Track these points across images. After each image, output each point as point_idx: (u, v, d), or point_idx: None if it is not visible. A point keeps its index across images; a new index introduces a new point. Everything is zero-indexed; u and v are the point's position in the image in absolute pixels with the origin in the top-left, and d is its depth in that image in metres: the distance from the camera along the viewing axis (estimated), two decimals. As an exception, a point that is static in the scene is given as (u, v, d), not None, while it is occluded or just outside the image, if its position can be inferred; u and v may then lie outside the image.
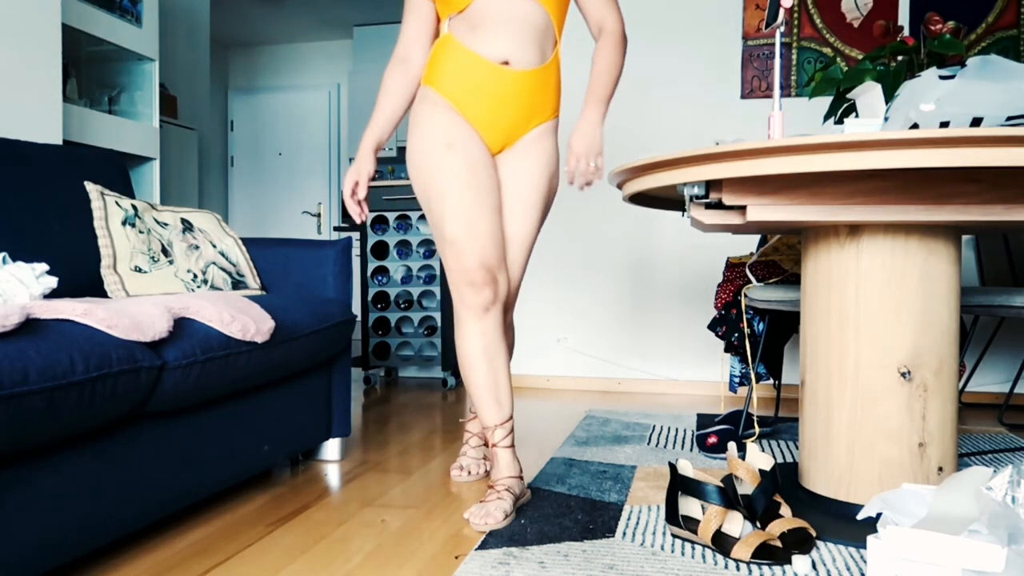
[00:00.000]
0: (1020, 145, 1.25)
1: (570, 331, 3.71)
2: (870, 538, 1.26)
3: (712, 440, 2.37)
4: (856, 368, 1.67)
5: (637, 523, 1.69)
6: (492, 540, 1.58)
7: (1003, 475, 1.24)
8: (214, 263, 2.06)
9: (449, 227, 1.76)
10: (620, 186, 1.84)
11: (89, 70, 3.30)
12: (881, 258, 1.64)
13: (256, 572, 1.45)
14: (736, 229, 1.87)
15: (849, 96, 1.81)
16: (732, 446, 1.65)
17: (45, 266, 1.51)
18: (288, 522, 1.73)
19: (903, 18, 3.33)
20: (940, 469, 1.65)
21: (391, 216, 3.85)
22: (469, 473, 2.09)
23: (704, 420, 2.80)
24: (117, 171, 2.25)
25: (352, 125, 6.13)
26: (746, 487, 1.60)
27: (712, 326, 2.57)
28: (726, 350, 2.59)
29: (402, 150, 6.15)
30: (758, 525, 1.55)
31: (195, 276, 1.99)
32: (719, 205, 1.59)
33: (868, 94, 1.70)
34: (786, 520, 1.52)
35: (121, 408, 1.34)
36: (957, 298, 1.68)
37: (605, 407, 3.16)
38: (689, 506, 1.62)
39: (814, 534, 1.53)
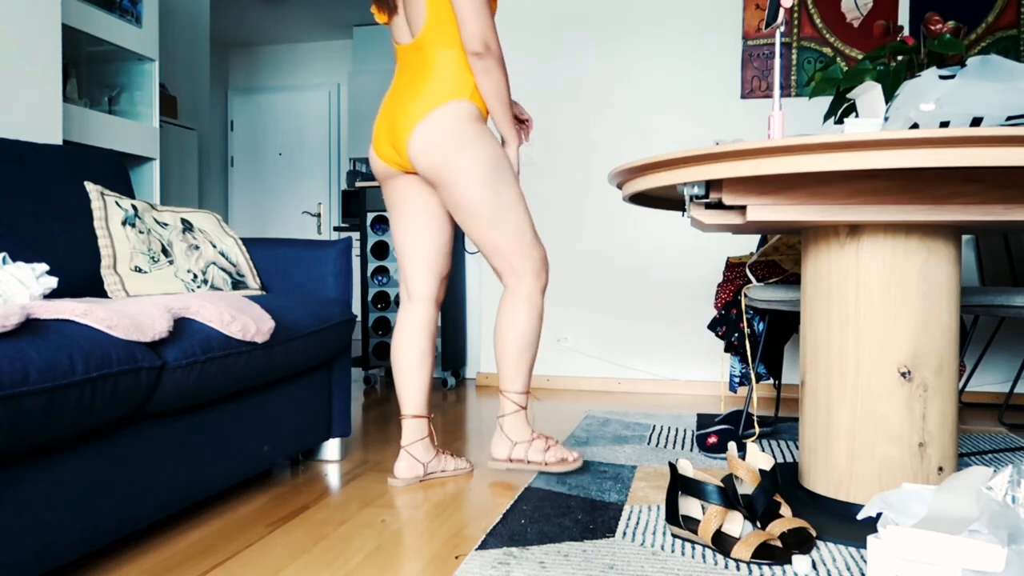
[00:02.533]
0: (1020, 145, 1.25)
1: (570, 331, 3.71)
2: (870, 538, 1.26)
3: (712, 440, 2.37)
4: (856, 368, 1.67)
5: (637, 523, 1.69)
6: (492, 540, 1.58)
7: (1003, 475, 1.24)
8: (214, 263, 2.06)
9: (531, 223, 2.05)
10: (620, 186, 1.84)
11: (89, 70, 3.30)
12: (881, 258, 1.64)
13: (256, 572, 1.45)
14: (736, 229, 1.87)
15: (849, 96, 1.81)
16: (732, 446, 1.65)
17: (45, 266, 1.51)
18: (288, 522, 1.73)
19: (903, 18, 3.33)
20: (940, 469, 1.65)
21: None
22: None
23: (704, 420, 2.80)
24: (117, 171, 2.25)
25: (352, 125, 6.13)
26: (746, 487, 1.60)
27: (712, 326, 2.57)
28: (726, 350, 2.59)
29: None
30: (758, 525, 1.55)
31: (195, 276, 1.99)
32: (719, 205, 1.59)
33: (868, 94, 1.70)
34: (786, 520, 1.52)
35: (121, 408, 1.34)
36: (957, 298, 1.68)
37: (605, 407, 3.16)
38: (689, 506, 1.62)
39: (814, 534, 1.53)
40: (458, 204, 1.96)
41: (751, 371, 2.45)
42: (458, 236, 3.87)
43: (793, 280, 2.38)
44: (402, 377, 2.07)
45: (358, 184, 3.91)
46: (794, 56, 3.43)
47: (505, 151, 2.03)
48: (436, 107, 1.90)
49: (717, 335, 2.56)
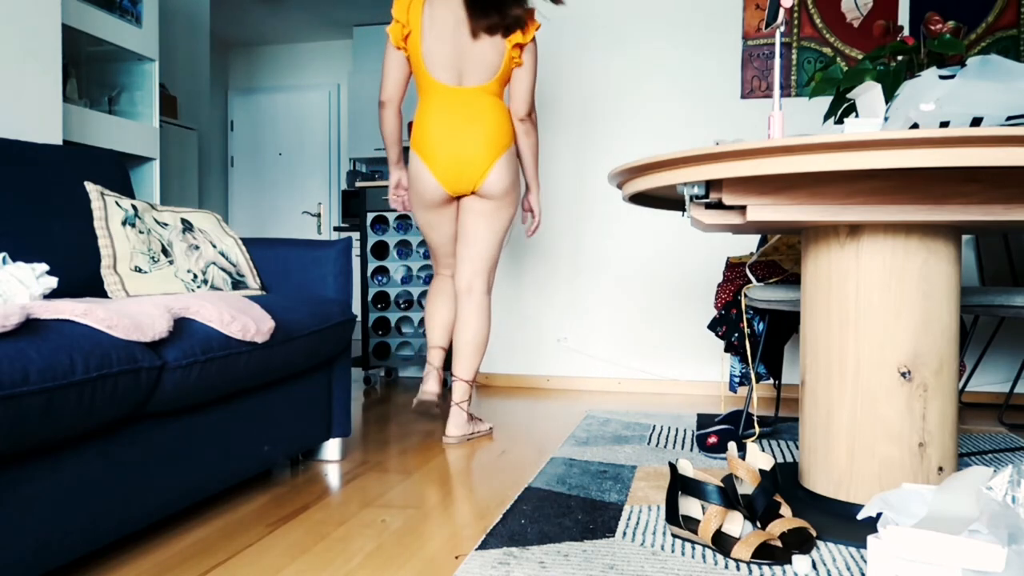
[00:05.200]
0: (1020, 145, 1.25)
1: (570, 331, 3.71)
2: (870, 538, 1.26)
3: (712, 440, 2.37)
4: (856, 368, 1.67)
5: (637, 523, 1.69)
6: (492, 540, 1.58)
7: (1003, 475, 1.24)
8: (214, 263, 2.06)
9: None
10: (620, 186, 1.84)
11: (89, 70, 3.30)
12: (881, 258, 1.64)
13: (256, 572, 1.45)
14: (736, 229, 1.87)
15: (849, 96, 1.81)
16: (732, 446, 1.65)
17: (45, 266, 1.51)
18: (288, 522, 1.73)
19: (903, 18, 3.33)
20: (940, 469, 1.65)
21: (391, 216, 3.85)
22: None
23: (704, 420, 2.80)
24: (117, 171, 2.25)
25: (352, 125, 6.13)
26: (746, 487, 1.60)
27: (712, 326, 2.57)
28: (726, 350, 2.59)
29: (405, 150, 6.13)
30: (758, 525, 1.55)
31: (195, 276, 1.99)
32: (719, 205, 1.59)
33: (868, 94, 1.70)
34: (786, 520, 1.52)
35: (121, 408, 1.34)
36: (957, 298, 1.68)
37: (605, 407, 3.16)
38: (689, 506, 1.62)
39: (814, 534, 1.53)
40: (497, 217, 2.51)
41: (751, 371, 2.45)
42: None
43: (793, 280, 2.38)
44: (444, 325, 2.67)
45: (358, 184, 3.91)
46: (794, 56, 3.43)
47: (528, 198, 2.68)
48: (506, 150, 2.46)
49: (717, 335, 2.56)
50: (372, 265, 3.86)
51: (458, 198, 2.53)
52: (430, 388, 2.65)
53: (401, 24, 2.41)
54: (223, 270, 2.08)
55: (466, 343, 2.56)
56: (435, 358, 2.71)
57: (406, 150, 2.73)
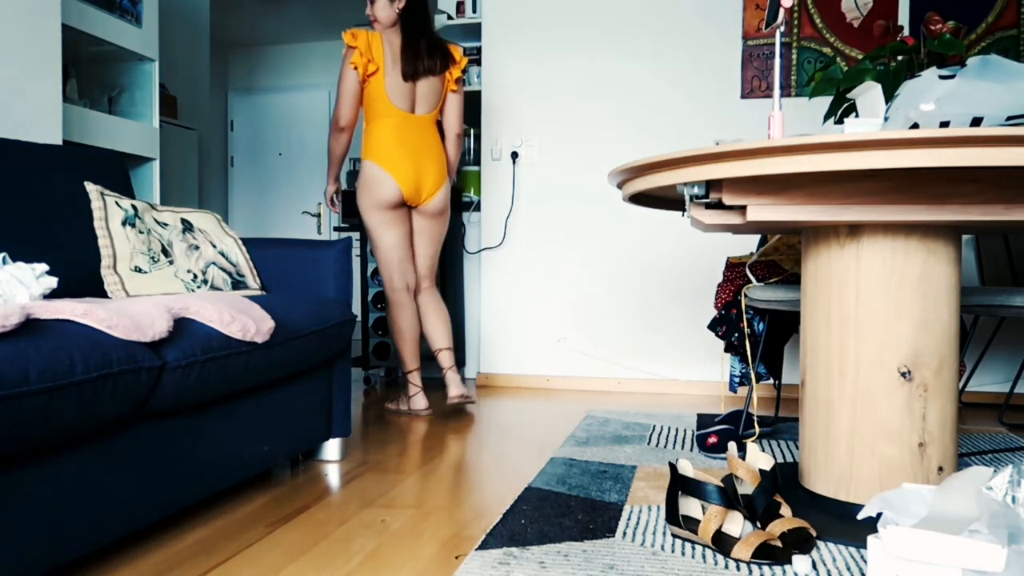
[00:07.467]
0: (1020, 145, 1.25)
1: (570, 331, 3.71)
2: (870, 538, 1.26)
3: (712, 440, 2.37)
4: (856, 368, 1.67)
5: (637, 523, 1.69)
6: (492, 540, 1.58)
7: (1003, 475, 1.24)
8: (214, 263, 2.06)
9: None
10: (620, 186, 1.84)
11: (89, 70, 3.29)
12: (881, 258, 1.64)
13: (256, 572, 1.45)
14: (736, 229, 1.87)
15: (849, 96, 1.81)
16: (732, 446, 1.65)
17: (45, 266, 1.51)
18: (288, 522, 1.73)
19: (903, 18, 3.33)
20: (940, 469, 1.65)
21: (391, 216, 3.85)
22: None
23: (704, 420, 2.80)
24: (117, 171, 2.25)
25: (352, 125, 6.11)
26: (746, 487, 1.60)
27: (712, 326, 2.57)
28: (726, 350, 2.59)
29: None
30: (758, 525, 1.55)
31: (195, 276, 1.99)
32: (719, 205, 1.59)
33: (868, 94, 1.70)
34: (786, 520, 1.52)
35: (121, 408, 1.34)
36: (957, 298, 1.68)
37: (605, 407, 3.16)
38: (689, 506, 1.62)
39: (814, 534, 1.53)
40: (437, 233, 3.02)
41: (751, 371, 2.45)
42: (458, 239, 3.88)
43: (793, 280, 2.38)
44: (413, 340, 3.00)
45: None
46: (794, 56, 3.43)
47: None
48: (448, 176, 2.98)
49: (717, 335, 2.56)
50: (372, 265, 3.85)
51: (407, 207, 2.94)
52: (422, 405, 3.00)
53: (367, 60, 2.74)
54: (223, 270, 2.08)
55: (435, 323, 3.00)
56: (418, 378, 3.03)
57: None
